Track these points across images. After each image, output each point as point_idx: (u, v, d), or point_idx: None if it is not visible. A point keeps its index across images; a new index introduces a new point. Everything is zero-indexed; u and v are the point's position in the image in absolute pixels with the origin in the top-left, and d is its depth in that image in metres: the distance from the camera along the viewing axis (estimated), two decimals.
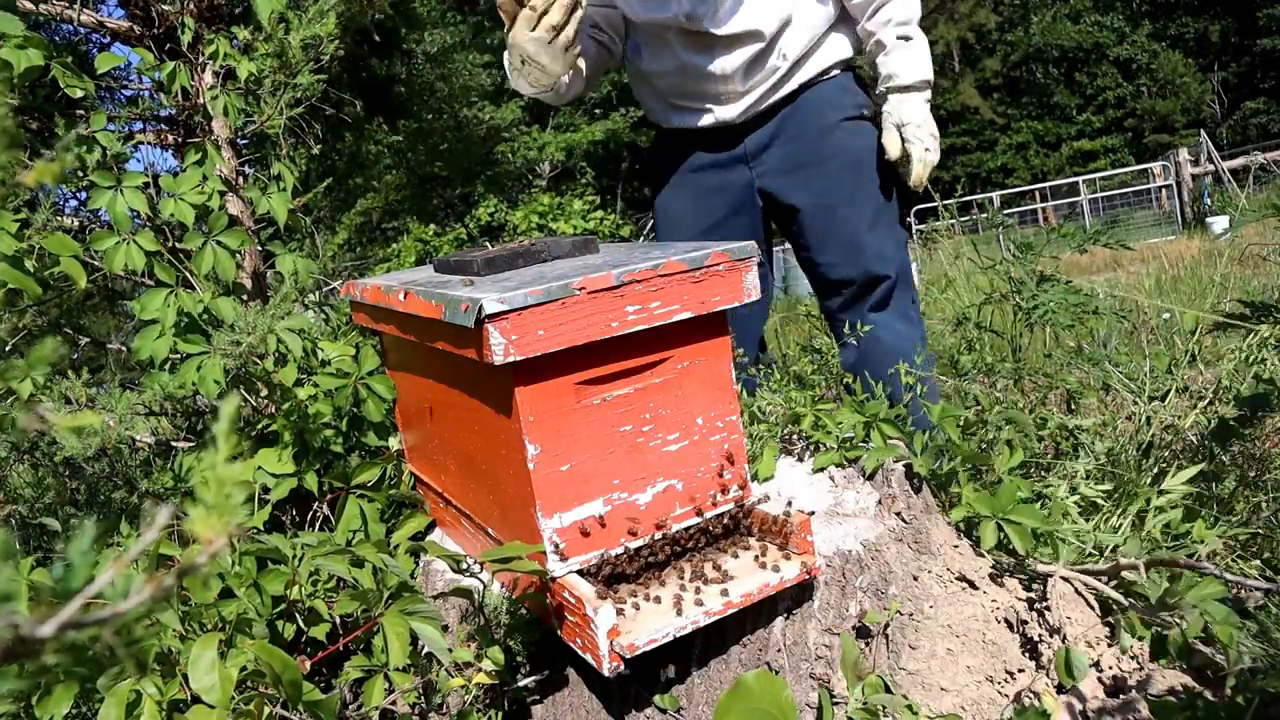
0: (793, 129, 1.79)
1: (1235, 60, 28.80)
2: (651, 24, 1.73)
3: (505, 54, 1.60)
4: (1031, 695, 1.07)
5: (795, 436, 1.44)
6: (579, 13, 1.50)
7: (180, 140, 1.81)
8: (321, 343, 1.44)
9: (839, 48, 1.80)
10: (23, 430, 1.25)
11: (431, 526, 1.41)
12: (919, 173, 1.73)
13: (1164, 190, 15.74)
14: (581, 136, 16.19)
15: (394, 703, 1.03)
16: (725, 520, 1.11)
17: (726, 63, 1.72)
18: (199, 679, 0.85)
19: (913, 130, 1.72)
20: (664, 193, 1.92)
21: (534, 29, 1.50)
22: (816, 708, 1.06)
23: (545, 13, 1.48)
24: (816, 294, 1.90)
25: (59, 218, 1.69)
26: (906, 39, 1.74)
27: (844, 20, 1.81)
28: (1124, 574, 1.15)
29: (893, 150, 1.74)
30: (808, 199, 1.78)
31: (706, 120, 1.79)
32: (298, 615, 1.09)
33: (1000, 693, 1.10)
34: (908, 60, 1.73)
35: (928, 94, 1.76)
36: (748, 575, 1.05)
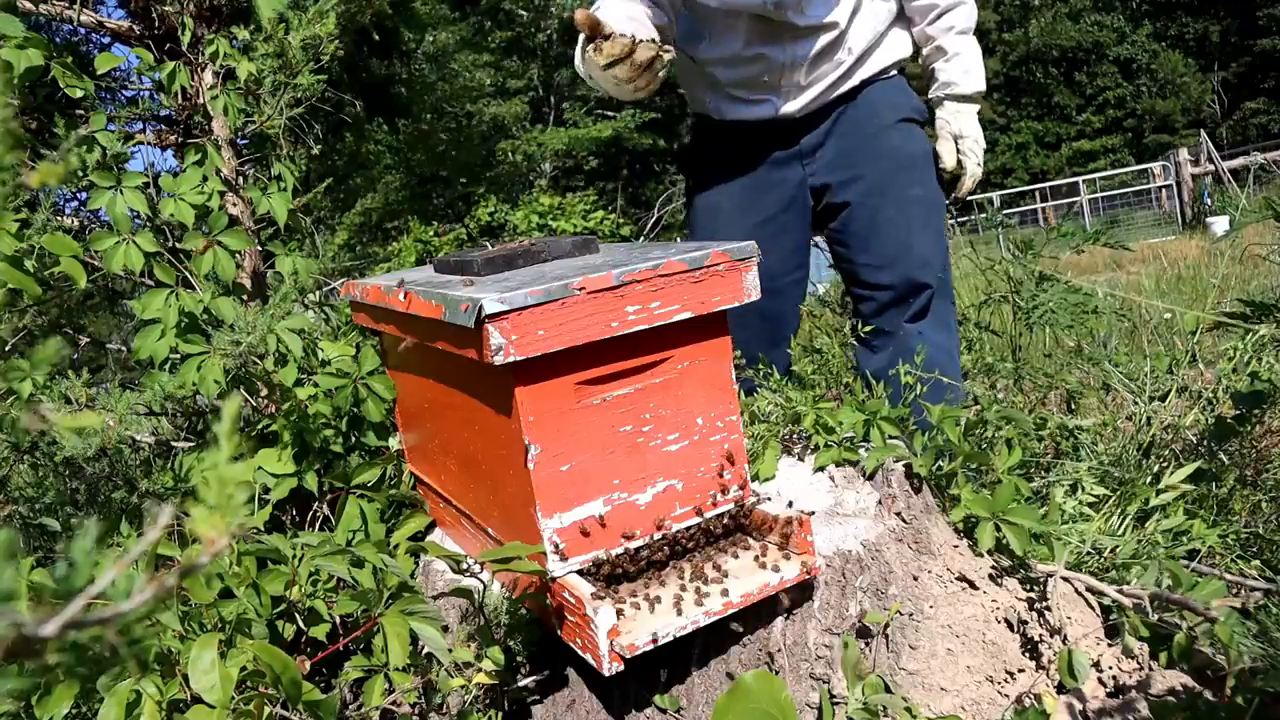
0: (847, 126, 1.76)
1: (1235, 60, 28.79)
2: (727, 8, 1.65)
3: (578, 49, 1.54)
4: (1032, 696, 1.07)
5: (795, 436, 1.44)
6: (655, 66, 1.43)
7: (180, 140, 1.81)
8: (321, 343, 1.44)
9: (898, 47, 1.77)
10: (23, 430, 1.25)
11: (431, 526, 1.41)
12: (969, 186, 1.75)
13: (1164, 190, 15.75)
14: (585, 134, 16.16)
15: (394, 703, 1.03)
16: (725, 520, 1.11)
17: (797, 52, 1.66)
18: (199, 679, 0.85)
19: (969, 144, 1.73)
20: (709, 186, 1.85)
21: (603, 70, 1.44)
22: (816, 708, 1.06)
23: (617, 63, 1.42)
24: (851, 299, 1.86)
25: (59, 218, 1.69)
26: (967, 48, 1.73)
27: (900, 19, 1.78)
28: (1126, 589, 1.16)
29: (949, 161, 1.74)
30: (857, 196, 1.75)
31: (766, 112, 1.74)
32: (298, 615, 1.09)
33: (1000, 693, 1.10)
34: (968, 69, 1.73)
35: (979, 106, 1.76)
36: (748, 575, 1.05)
